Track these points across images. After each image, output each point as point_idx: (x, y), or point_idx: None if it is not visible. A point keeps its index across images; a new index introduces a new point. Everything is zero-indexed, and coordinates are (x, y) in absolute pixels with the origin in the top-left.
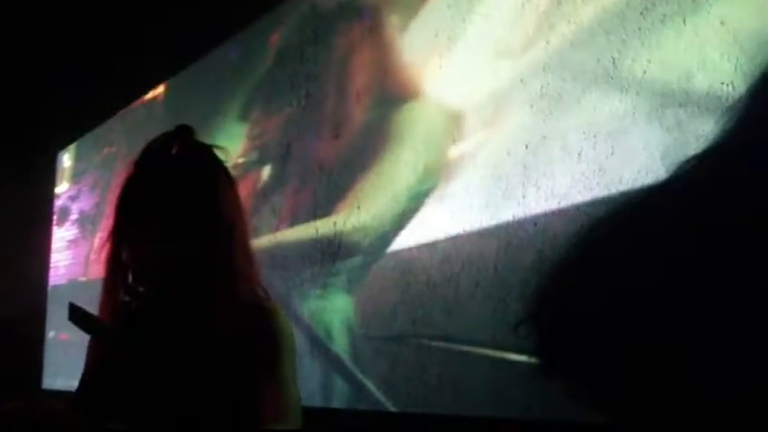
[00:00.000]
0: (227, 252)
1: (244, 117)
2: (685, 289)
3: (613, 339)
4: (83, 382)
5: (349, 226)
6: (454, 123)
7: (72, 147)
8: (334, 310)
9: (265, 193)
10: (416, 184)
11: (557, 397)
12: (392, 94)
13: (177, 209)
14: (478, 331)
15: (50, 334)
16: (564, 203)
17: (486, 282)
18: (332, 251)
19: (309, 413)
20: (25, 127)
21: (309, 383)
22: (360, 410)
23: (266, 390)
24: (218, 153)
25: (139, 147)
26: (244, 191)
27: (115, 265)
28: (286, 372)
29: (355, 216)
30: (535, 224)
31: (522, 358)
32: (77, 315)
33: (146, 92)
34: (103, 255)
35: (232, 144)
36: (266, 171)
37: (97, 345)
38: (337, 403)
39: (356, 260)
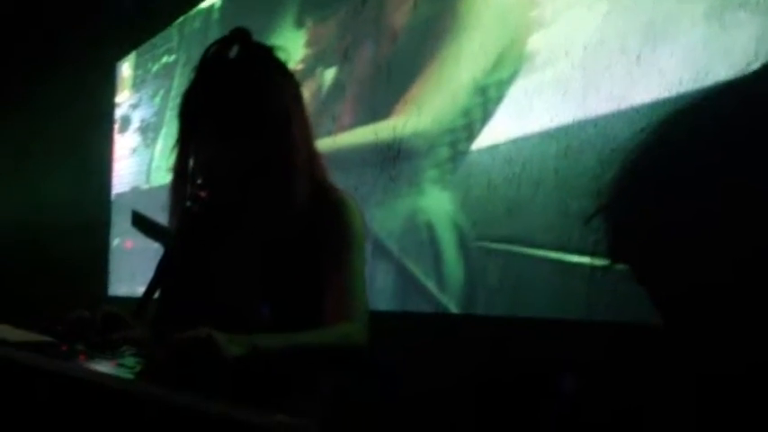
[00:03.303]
0: (285, 150)
1: (299, 23)
2: (743, 195)
3: (675, 241)
4: (148, 289)
5: (408, 129)
6: (511, 23)
7: (131, 56)
8: (395, 213)
9: (324, 99)
10: (475, 84)
11: (619, 298)
12: None
13: (234, 110)
14: (539, 233)
15: (115, 242)
16: (623, 105)
17: (547, 183)
18: (392, 155)
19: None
20: (84, 37)
21: (369, 286)
22: (421, 312)
23: (335, 282)
24: (279, 53)
25: (197, 55)
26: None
27: (181, 170)
28: (356, 264)
29: (415, 119)
30: (595, 126)
31: (584, 260)
32: (140, 221)
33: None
34: (172, 160)
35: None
36: (324, 77)
37: (165, 252)
38: (398, 305)
39: (416, 163)
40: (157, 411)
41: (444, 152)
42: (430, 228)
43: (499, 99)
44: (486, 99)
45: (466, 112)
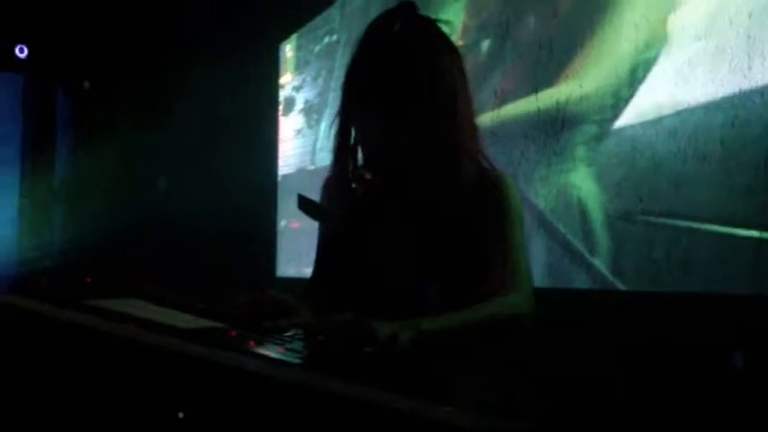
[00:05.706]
0: (450, 128)
1: None
2: None
3: None
4: (315, 273)
5: (571, 102)
6: None
7: (293, 38)
8: (558, 187)
9: (485, 72)
10: (637, 55)
11: None
12: None
13: (403, 89)
14: (706, 207)
15: (282, 222)
16: None
17: (713, 156)
18: (555, 128)
19: (534, 293)
20: (246, 19)
21: (534, 263)
22: (587, 290)
23: (498, 256)
24: (443, 27)
25: (359, 34)
26: None
27: (343, 147)
28: (517, 238)
29: (577, 92)
30: (762, 96)
31: (752, 233)
32: (306, 204)
33: None
34: (331, 138)
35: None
36: (485, 50)
37: (327, 234)
38: (563, 283)
39: (579, 137)
40: (322, 402)
41: (593, 129)
42: (581, 204)
43: (650, 67)
44: (634, 78)
45: (616, 91)
